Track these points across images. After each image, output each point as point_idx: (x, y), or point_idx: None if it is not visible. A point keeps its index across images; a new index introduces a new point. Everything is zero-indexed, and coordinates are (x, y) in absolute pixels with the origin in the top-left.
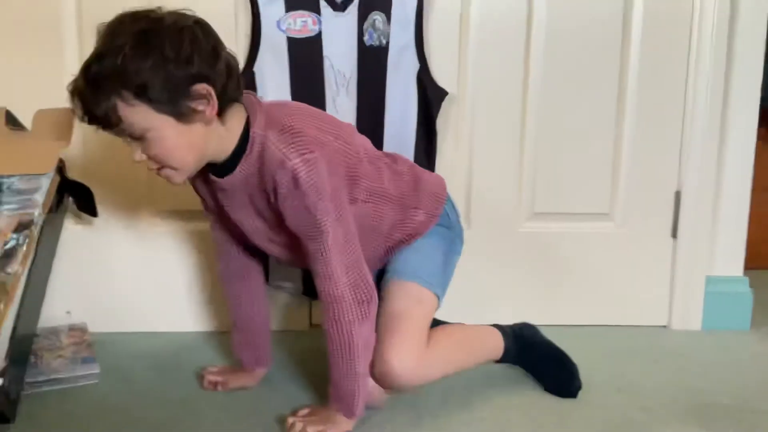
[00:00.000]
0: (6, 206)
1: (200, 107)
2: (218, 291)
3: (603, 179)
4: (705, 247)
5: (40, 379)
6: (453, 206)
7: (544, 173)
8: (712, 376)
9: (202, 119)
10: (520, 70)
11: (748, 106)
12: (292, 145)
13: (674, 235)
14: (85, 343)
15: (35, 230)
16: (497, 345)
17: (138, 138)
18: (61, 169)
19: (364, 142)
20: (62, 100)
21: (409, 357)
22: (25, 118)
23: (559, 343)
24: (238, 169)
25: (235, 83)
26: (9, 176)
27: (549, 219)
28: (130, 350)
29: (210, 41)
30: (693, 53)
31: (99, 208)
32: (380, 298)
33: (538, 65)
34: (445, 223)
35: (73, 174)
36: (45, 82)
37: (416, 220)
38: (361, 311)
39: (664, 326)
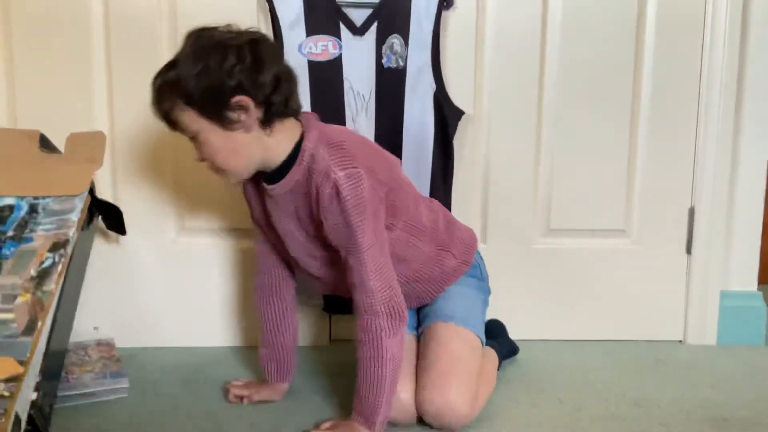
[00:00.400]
0: (42, 227)
1: (241, 117)
2: (243, 307)
3: (618, 196)
4: (719, 263)
5: (71, 393)
6: (482, 258)
7: (559, 190)
8: (727, 389)
9: (243, 128)
10: (535, 89)
11: (760, 123)
12: (339, 159)
13: (689, 250)
14: (113, 357)
15: (69, 249)
16: (497, 364)
17: (192, 139)
18: (91, 189)
19: (407, 179)
20: (92, 123)
21: (468, 398)
22: (58, 142)
23: (576, 357)
24: (287, 177)
25: (282, 98)
26: (44, 197)
27: (564, 235)
28: (156, 365)
29: (256, 57)
30: (705, 72)
31: (126, 226)
32: (425, 337)
33: (552, 84)
34: (476, 275)
35: (101, 193)
36: (75, 107)
37: (448, 263)
38: (392, 325)
39: (680, 341)
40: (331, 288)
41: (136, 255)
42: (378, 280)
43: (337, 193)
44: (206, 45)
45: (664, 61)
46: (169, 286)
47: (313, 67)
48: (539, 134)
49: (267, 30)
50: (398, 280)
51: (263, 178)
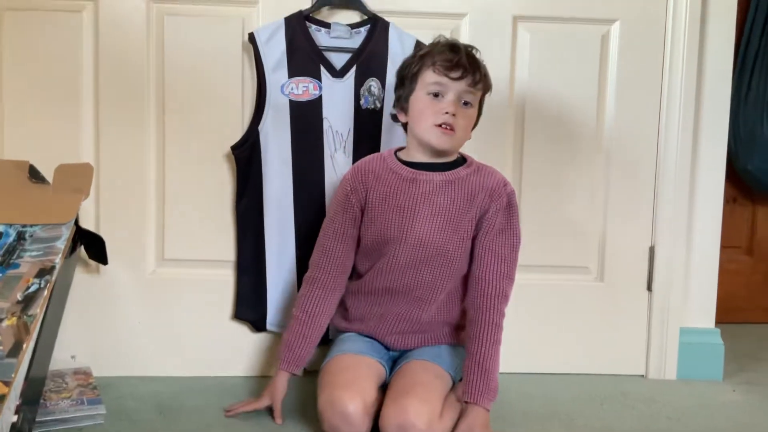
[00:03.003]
0: (29, 253)
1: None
2: (218, 338)
3: (582, 235)
4: (679, 300)
5: (49, 418)
6: None
7: (525, 228)
8: (684, 421)
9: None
10: (504, 132)
11: (716, 168)
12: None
13: (649, 288)
14: (90, 385)
15: (55, 276)
16: None
17: (465, 103)
18: (75, 218)
19: None
20: (79, 155)
21: (426, 413)
22: (47, 172)
23: (542, 390)
24: (460, 168)
25: None
26: (32, 225)
27: (532, 271)
28: (133, 393)
29: None
30: (663, 118)
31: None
32: (400, 373)
33: (519, 128)
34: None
35: (85, 223)
36: (64, 139)
37: (461, 329)
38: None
39: (642, 375)
40: (412, 286)
41: (116, 285)
42: (514, 272)
43: (511, 201)
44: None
45: (624, 108)
46: (147, 316)
47: (294, 106)
48: (507, 174)
49: (251, 71)
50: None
51: (422, 169)
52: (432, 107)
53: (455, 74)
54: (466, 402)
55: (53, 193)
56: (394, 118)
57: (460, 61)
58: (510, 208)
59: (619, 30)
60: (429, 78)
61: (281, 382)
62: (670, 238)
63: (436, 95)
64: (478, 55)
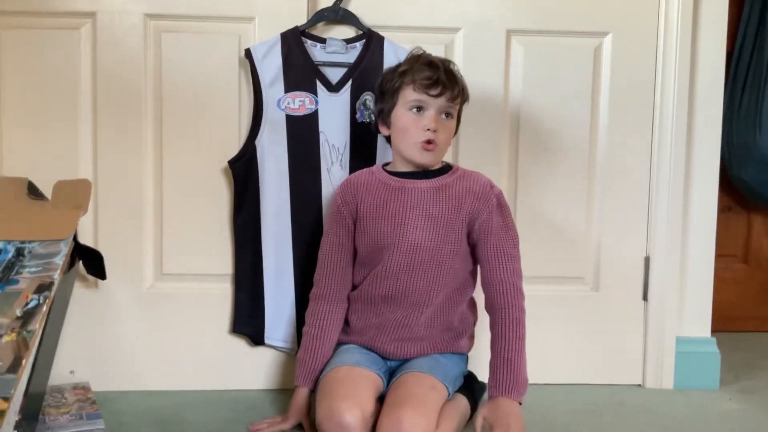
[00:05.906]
0: (28, 269)
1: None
2: (216, 351)
3: (578, 246)
4: (674, 310)
5: None
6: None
7: (523, 240)
8: (681, 430)
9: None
10: (499, 146)
11: (709, 179)
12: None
13: (645, 298)
14: (89, 400)
15: (53, 291)
16: (469, 410)
17: (446, 115)
18: (74, 234)
19: None
20: (78, 172)
21: (422, 427)
22: (46, 189)
23: (539, 401)
24: (446, 175)
25: None
26: (30, 242)
27: (528, 282)
28: (132, 408)
29: None
30: (656, 128)
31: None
32: (396, 385)
33: (514, 141)
34: (464, 362)
35: (83, 239)
36: (62, 156)
37: (464, 336)
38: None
39: (639, 385)
40: (407, 291)
41: (114, 300)
42: (521, 266)
43: (500, 201)
44: None
45: (618, 119)
46: (146, 331)
47: (291, 120)
48: (502, 185)
49: (248, 86)
50: (445, 312)
51: (409, 178)
52: (414, 124)
53: (435, 91)
54: (493, 396)
55: (52, 210)
56: (377, 130)
57: (439, 78)
58: (501, 207)
59: (612, 42)
60: (410, 96)
61: (303, 399)
62: (666, 248)
63: (418, 109)
64: (455, 69)
